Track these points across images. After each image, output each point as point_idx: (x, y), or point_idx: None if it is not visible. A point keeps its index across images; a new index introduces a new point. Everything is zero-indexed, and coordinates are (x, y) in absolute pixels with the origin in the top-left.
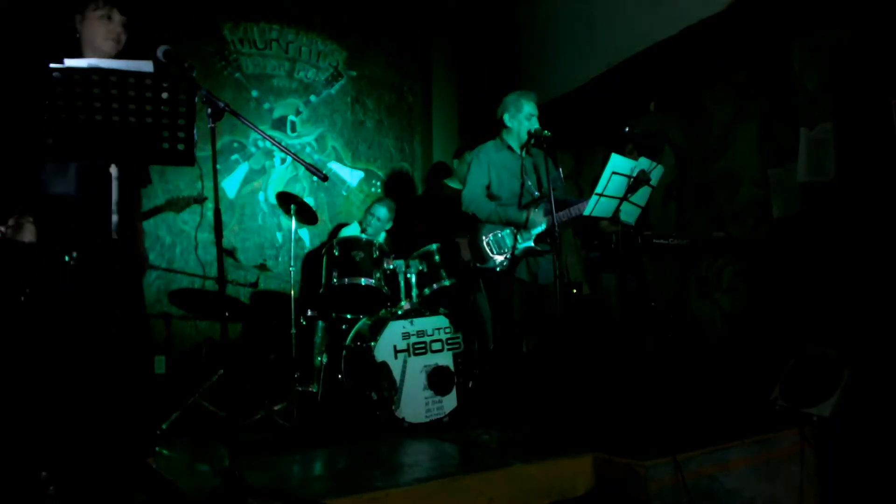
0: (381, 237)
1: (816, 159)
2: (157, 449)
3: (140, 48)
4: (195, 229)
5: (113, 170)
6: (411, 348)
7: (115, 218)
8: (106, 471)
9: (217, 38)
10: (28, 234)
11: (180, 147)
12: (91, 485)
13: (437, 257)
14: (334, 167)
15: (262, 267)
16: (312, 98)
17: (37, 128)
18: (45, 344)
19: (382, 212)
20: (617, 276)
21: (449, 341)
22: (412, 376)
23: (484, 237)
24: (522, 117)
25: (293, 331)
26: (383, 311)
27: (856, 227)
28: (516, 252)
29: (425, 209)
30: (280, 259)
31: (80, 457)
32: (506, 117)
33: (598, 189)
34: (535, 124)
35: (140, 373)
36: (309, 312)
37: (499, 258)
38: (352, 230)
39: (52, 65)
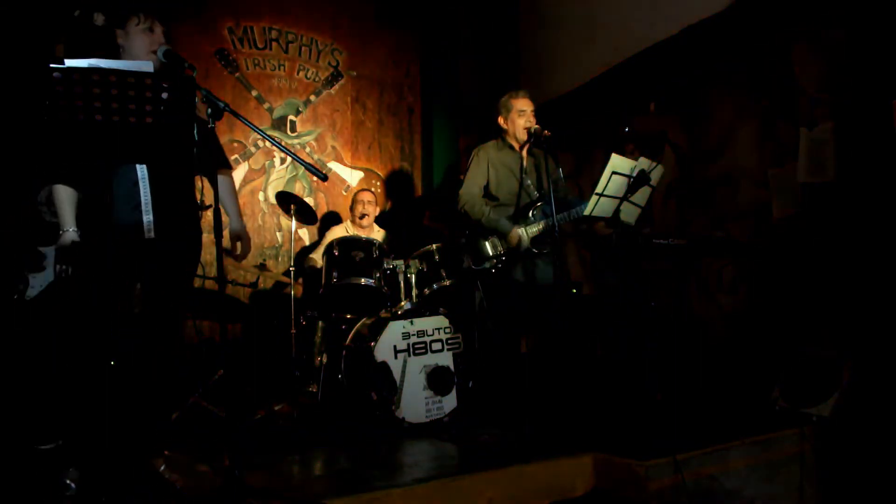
0: (381, 235)
1: (817, 160)
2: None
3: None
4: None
5: (140, 170)
6: (411, 348)
7: (147, 217)
8: (110, 471)
9: (217, 38)
10: None
11: (178, 146)
12: (96, 485)
13: (437, 257)
14: (334, 167)
15: (262, 267)
16: (312, 98)
17: (37, 128)
18: (54, 344)
19: (365, 195)
20: (617, 276)
21: (449, 341)
22: (412, 376)
23: (480, 238)
24: (514, 115)
25: (293, 331)
26: (383, 311)
27: (856, 227)
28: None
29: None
30: (280, 259)
31: (88, 457)
32: (500, 120)
33: (598, 189)
34: (529, 120)
35: (156, 372)
36: (308, 312)
37: (494, 259)
38: (340, 230)
39: (52, 65)
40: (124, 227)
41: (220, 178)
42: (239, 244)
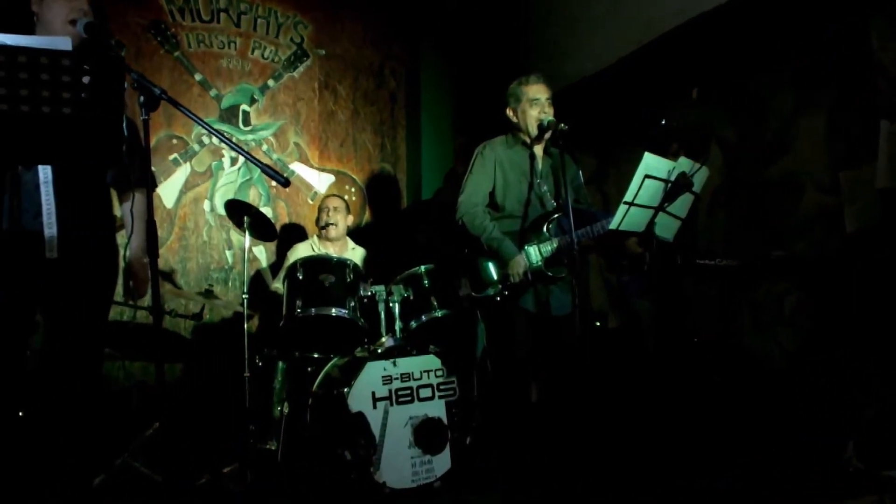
0: (359, 254)
1: None
2: None
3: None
4: (124, 247)
5: (43, 172)
6: (394, 395)
7: (49, 231)
8: None
9: (152, 8)
10: None
11: (105, 144)
12: None
13: (426, 281)
14: (298, 169)
15: (209, 294)
16: (271, 83)
17: None
18: None
19: (332, 200)
20: (651, 304)
21: (441, 387)
22: (395, 430)
23: (483, 257)
24: (526, 105)
25: (247, 374)
26: (359, 348)
27: None
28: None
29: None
30: (230, 284)
31: None
32: (509, 112)
33: (628, 197)
34: (545, 111)
35: (72, 426)
36: (266, 351)
37: (500, 284)
38: (305, 248)
39: None
40: (22, 239)
41: (136, 193)
42: (132, 280)
